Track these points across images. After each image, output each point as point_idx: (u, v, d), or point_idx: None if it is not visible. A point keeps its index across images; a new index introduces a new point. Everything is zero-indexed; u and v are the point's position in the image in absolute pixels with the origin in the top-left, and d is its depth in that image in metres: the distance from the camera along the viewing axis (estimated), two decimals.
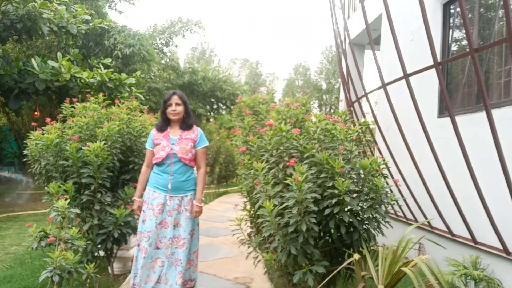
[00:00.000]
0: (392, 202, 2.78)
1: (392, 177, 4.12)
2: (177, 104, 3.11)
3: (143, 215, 3.07)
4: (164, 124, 3.17)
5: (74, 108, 3.85)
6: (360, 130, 3.35)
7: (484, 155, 3.39)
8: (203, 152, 3.18)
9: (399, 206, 4.77)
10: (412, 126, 4.13)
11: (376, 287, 2.43)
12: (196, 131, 3.18)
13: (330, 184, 2.63)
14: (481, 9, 4.31)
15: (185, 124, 3.15)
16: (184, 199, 3.11)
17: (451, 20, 4.67)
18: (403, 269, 2.36)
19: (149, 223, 3.01)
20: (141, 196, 3.15)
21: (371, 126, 4.06)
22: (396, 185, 4.06)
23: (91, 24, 8.67)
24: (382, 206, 2.78)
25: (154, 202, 3.04)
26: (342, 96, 8.16)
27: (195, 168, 3.23)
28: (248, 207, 3.39)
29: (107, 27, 9.65)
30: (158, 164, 3.10)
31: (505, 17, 2.64)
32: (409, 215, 4.85)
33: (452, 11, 4.64)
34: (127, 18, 30.82)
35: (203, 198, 3.16)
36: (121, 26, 10.47)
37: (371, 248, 2.84)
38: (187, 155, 3.08)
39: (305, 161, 2.78)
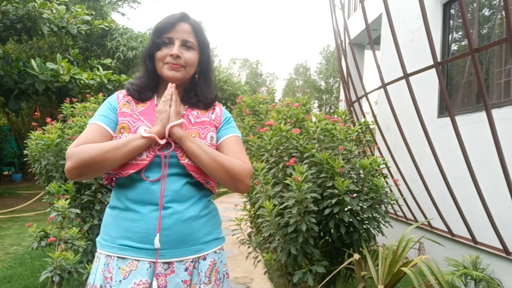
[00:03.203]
0: (392, 202, 2.78)
1: (392, 177, 4.12)
2: (185, 45, 1.31)
3: None
4: (149, 86, 1.36)
5: (74, 108, 3.85)
6: (360, 130, 3.36)
7: (484, 155, 3.39)
8: (236, 141, 1.37)
9: (399, 206, 4.77)
10: (412, 126, 4.13)
11: (376, 287, 2.43)
12: (219, 108, 1.44)
13: (330, 184, 2.63)
14: (481, 9, 4.31)
15: (196, 95, 1.38)
16: (200, 266, 1.25)
17: (451, 20, 4.67)
18: (403, 269, 2.36)
19: None
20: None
21: (371, 126, 4.06)
22: (396, 185, 4.06)
23: (92, 25, 8.68)
24: (382, 206, 2.78)
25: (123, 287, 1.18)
26: (342, 96, 8.17)
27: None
28: (248, 207, 3.39)
29: (107, 28, 9.67)
30: (125, 183, 1.25)
31: (505, 17, 2.64)
32: (409, 215, 4.85)
33: (452, 11, 4.64)
34: (129, 20, 30.85)
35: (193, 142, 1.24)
36: (124, 28, 10.49)
37: (371, 248, 2.85)
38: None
39: (305, 161, 2.78)
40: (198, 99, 1.37)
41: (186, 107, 1.36)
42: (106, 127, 1.26)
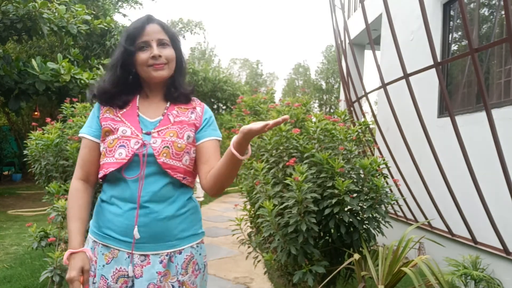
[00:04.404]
0: (392, 202, 2.78)
1: (392, 177, 4.12)
2: (161, 43, 1.36)
3: None
4: (122, 91, 1.39)
5: (74, 108, 3.85)
6: (360, 130, 3.36)
7: (484, 155, 3.39)
8: (216, 148, 1.43)
9: (399, 206, 4.77)
10: (412, 126, 4.13)
11: (376, 287, 2.43)
12: (201, 108, 1.46)
13: (330, 184, 2.63)
14: (481, 9, 4.31)
15: (177, 89, 1.43)
16: (176, 260, 1.34)
17: (451, 21, 4.67)
18: (403, 269, 2.36)
19: None
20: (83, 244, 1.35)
21: (371, 126, 4.06)
22: (396, 185, 4.06)
23: (91, 24, 8.68)
24: (382, 206, 2.78)
25: (107, 272, 1.32)
26: (342, 96, 8.17)
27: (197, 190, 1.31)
28: (248, 207, 3.39)
29: (107, 28, 9.68)
30: (111, 180, 1.35)
31: (505, 17, 2.64)
32: (409, 215, 4.85)
33: (452, 11, 4.64)
34: (130, 21, 30.79)
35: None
36: (123, 27, 10.50)
37: (371, 248, 2.84)
38: (179, 159, 1.34)
39: (305, 161, 2.78)
40: (179, 92, 1.42)
41: (168, 104, 1.42)
42: (92, 138, 1.38)
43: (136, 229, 1.28)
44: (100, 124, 1.37)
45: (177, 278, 1.33)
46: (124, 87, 1.40)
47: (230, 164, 1.26)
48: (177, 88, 1.42)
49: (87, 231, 1.38)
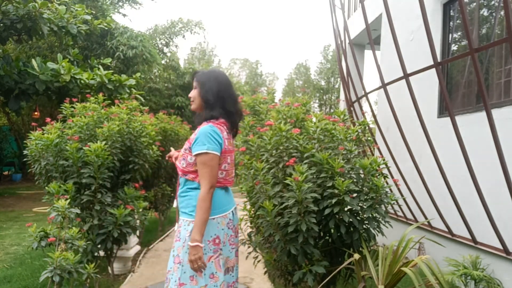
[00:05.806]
0: (392, 202, 2.77)
1: (392, 177, 4.12)
2: (194, 87, 2.15)
3: None
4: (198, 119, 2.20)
5: (74, 108, 3.85)
6: (359, 130, 3.35)
7: (484, 155, 3.39)
8: (198, 163, 2.00)
9: (399, 206, 4.77)
10: (412, 126, 4.13)
11: (376, 287, 2.43)
12: (198, 130, 2.07)
13: (330, 184, 2.63)
14: (481, 9, 4.31)
15: (200, 116, 2.14)
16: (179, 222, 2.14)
17: (451, 21, 4.67)
18: (403, 269, 2.36)
19: None
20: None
21: (371, 126, 4.06)
22: (396, 185, 4.05)
23: (91, 24, 8.68)
24: (382, 206, 2.78)
25: None
26: (342, 96, 8.17)
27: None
28: (248, 207, 3.39)
29: (107, 28, 9.67)
30: None
31: (505, 17, 2.64)
32: (409, 215, 4.85)
33: (452, 11, 4.64)
34: (131, 21, 30.69)
35: (196, 235, 1.91)
36: (124, 28, 10.48)
37: (371, 248, 2.84)
38: (179, 163, 2.13)
39: (305, 161, 2.78)
40: (200, 120, 2.11)
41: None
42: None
43: (175, 202, 2.21)
44: None
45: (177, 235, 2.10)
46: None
47: None
48: (201, 116, 2.10)
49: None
